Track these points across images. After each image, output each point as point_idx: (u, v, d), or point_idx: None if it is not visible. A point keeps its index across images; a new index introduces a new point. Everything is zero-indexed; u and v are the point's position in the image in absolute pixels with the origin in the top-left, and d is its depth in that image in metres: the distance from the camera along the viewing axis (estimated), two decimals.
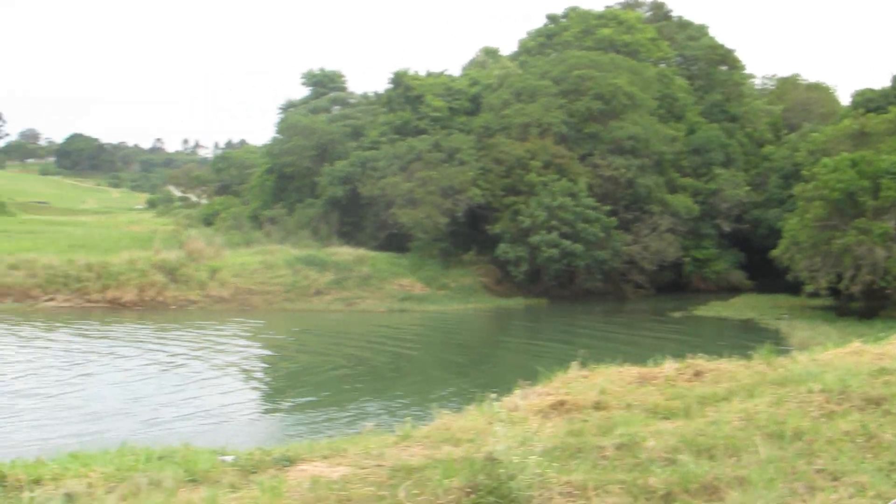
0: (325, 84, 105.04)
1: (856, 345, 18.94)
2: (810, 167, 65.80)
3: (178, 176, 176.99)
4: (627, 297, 76.18)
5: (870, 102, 79.06)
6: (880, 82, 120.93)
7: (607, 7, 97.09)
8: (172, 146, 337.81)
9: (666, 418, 13.06)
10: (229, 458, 11.92)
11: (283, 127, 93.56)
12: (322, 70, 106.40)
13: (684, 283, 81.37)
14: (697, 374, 16.54)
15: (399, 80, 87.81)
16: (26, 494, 10.19)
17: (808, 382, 13.58)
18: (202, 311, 61.59)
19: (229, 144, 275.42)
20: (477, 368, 44.95)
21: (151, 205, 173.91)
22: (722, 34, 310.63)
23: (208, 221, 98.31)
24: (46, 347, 45.01)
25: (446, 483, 9.40)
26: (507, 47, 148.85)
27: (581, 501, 9.10)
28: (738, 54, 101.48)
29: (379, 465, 10.93)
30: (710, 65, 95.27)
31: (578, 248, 70.34)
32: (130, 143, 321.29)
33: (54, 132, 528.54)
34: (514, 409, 14.94)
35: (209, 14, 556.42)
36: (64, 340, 47.90)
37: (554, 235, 70.02)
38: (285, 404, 34.00)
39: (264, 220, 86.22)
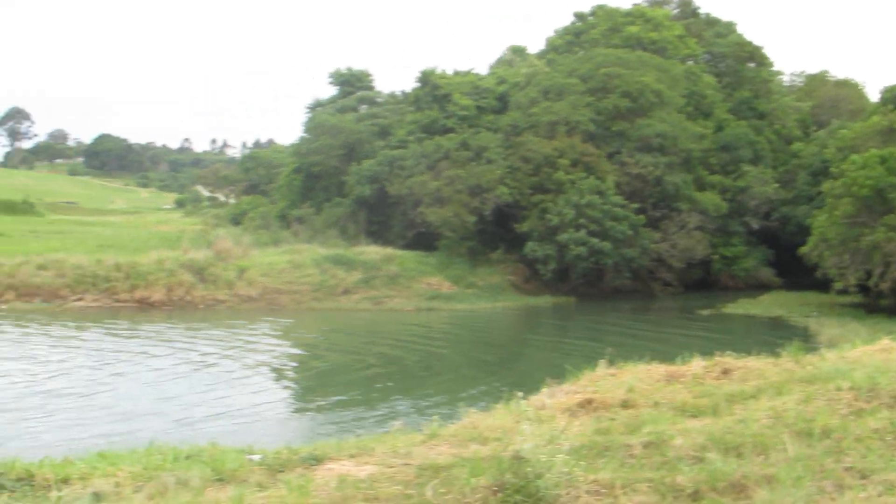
0: (352, 83, 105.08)
1: (885, 342, 18.81)
2: (839, 164, 65.53)
3: (207, 176, 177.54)
4: (656, 294, 76.03)
5: None
6: None
7: (635, 5, 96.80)
8: (200, 146, 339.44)
9: (694, 416, 12.99)
10: (256, 458, 11.91)
11: (311, 126, 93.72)
12: (349, 69, 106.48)
13: (713, 281, 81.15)
14: (725, 371, 16.46)
15: (426, 78, 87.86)
16: (54, 493, 10.19)
17: (836, 380, 13.49)
18: (230, 311, 61.69)
19: (257, 144, 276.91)
20: (506, 367, 44.86)
21: (180, 205, 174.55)
22: (750, 31, 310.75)
23: (236, 221, 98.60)
24: (78, 347, 45.07)
25: (473, 482, 9.34)
26: (535, 46, 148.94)
27: (608, 500, 9.04)
28: (767, 51, 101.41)
29: (406, 464, 10.90)
30: (738, 62, 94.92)
31: (606, 246, 70.21)
32: (158, 144, 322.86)
33: (83, 133, 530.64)
34: (541, 407, 14.89)
35: (236, 14, 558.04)
36: (95, 340, 48.02)
37: (582, 233, 69.91)
38: (316, 404, 34.01)
39: (292, 219, 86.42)
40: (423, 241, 77.48)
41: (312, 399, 35.37)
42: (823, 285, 65.63)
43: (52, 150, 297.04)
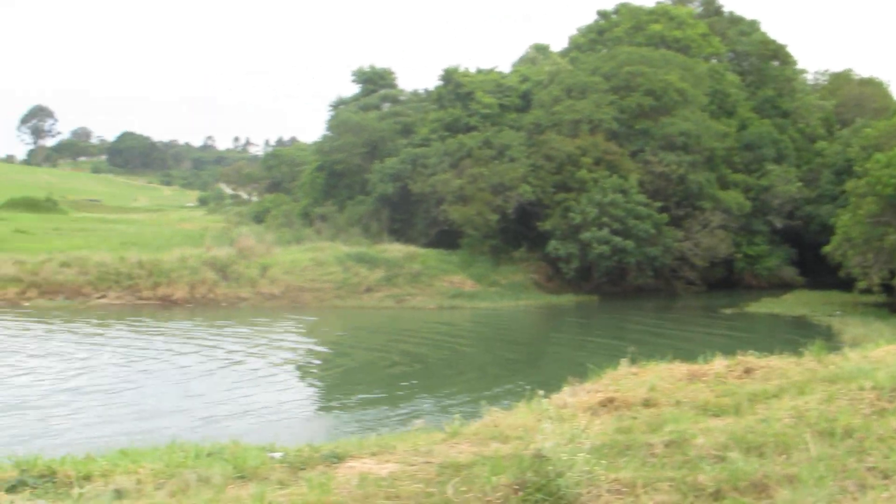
0: (375, 81, 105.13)
1: None
2: (863, 163, 65.25)
3: (229, 173, 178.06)
4: (678, 293, 75.89)
5: None
6: None
7: (658, 3, 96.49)
8: (223, 144, 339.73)
9: (716, 415, 12.98)
10: (278, 455, 11.96)
11: (334, 124, 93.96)
12: (372, 67, 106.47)
13: (736, 280, 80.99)
14: (748, 371, 16.43)
15: (449, 77, 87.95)
16: (76, 490, 10.25)
17: (859, 380, 13.46)
18: (253, 309, 61.80)
19: (280, 142, 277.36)
20: (531, 365, 44.75)
21: (202, 202, 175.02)
22: (774, 29, 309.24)
23: (259, 219, 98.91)
24: (103, 345, 45.12)
25: (494, 480, 9.38)
26: (558, 44, 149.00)
27: (630, 499, 9.04)
28: (790, 49, 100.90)
29: (427, 462, 10.93)
30: (762, 60, 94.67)
31: (629, 244, 70.13)
32: (182, 142, 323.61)
33: (106, 130, 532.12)
34: (562, 406, 14.90)
35: (259, 12, 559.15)
36: (120, 337, 48.11)
37: (605, 232, 69.85)
38: (341, 402, 33.99)
39: (315, 217, 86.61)
40: (446, 239, 77.51)
41: (337, 397, 35.38)
42: (847, 284, 65.45)
43: (76, 148, 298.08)
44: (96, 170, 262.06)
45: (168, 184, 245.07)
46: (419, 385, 37.08)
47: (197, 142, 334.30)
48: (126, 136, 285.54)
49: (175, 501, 9.78)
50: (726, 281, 79.86)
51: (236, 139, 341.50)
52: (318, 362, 44.03)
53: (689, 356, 18.71)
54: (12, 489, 10.46)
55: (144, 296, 61.95)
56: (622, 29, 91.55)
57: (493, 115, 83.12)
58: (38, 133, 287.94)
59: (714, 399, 14.16)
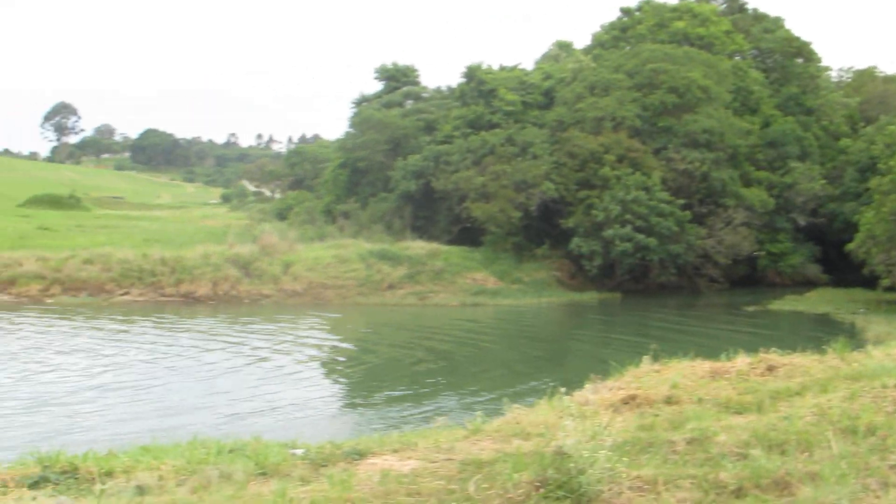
0: (397, 79, 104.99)
1: None
2: (887, 160, 64.97)
3: (252, 171, 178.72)
4: (701, 291, 75.65)
5: None
6: None
7: (681, 0, 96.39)
8: (246, 141, 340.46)
9: (738, 413, 13.03)
10: (299, 452, 12.04)
11: (357, 121, 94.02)
12: (395, 64, 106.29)
13: (759, 277, 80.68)
14: (770, 368, 16.45)
15: (472, 74, 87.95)
16: (98, 486, 10.34)
17: (882, 377, 13.46)
18: (275, 305, 61.95)
19: (302, 139, 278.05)
20: (556, 362, 44.70)
21: (225, 199, 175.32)
22: (798, 27, 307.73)
23: (282, 216, 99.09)
24: (130, 341, 45.22)
25: (516, 477, 9.44)
26: (581, 41, 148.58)
27: (651, 496, 9.09)
28: (814, 46, 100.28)
29: (449, 459, 11.01)
30: (786, 57, 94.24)
31: (652, 242, 70.01)
32: (204, 139, 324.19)
33: (129, 128, 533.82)
34: (584, 403, 14.95)
35: (276, 10, 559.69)
36: (145, 334, 48.27)
37: (628, 229, 69.76)
38: (366, 399, 33.99)
39: (337, 214, 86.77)
40: (469, 236, 77.53)
41: (362, 394, 35.43)
42: (870, 282, 65.34)
43: (99, 145, 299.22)
44: (119, 167, 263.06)
45: (191, 181, 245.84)
46: (444, 382, 37.09)
47: (220, 139, 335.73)
48: (149, 134, 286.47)
49: (197, 498, 9.86)
50: (749, 278, 79.60)
51: (259, 136, 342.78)
52: (343, 359, 44.12)
53: (711, 353, 18.76)
54: (35, 485, 10.60)
55: (167, 293, 62.21)
56: (645, 26, 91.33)
57: (516, 113, 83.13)
58: (61, 130, 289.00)
59: (736, 396, 14.21)
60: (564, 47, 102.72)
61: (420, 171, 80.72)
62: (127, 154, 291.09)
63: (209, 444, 13.16)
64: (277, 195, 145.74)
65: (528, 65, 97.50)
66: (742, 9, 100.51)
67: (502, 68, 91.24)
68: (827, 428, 11.03)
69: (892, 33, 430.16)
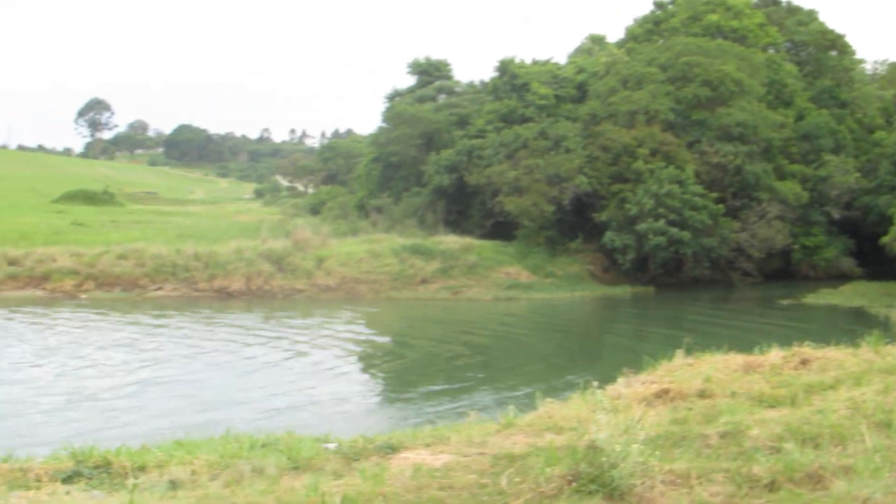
0: (430, 73, 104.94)
1: None
2: None
3: (286, 166, 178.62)
4: (735, 284, 75.26)
5: None
6: None
7: None
8: (279, 136, 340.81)
9: (771, 406, 13.01)
10: (332, 446, 12.11)
11: (390, 116, 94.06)
12: (428, 59, 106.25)
13: (793, 271, 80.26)
14: (804, 362, 16.44)
15: (505, 68, 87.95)
16: (131, 481, 10.43)
17: None
18: (308, 300, 62.10)
19: (336, 134, 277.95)
20: (592, 356, 44.82)
21: (259, 194, 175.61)
22: (832, 19, 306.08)
23: (315, 211, 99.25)
24: (168, 336, 45.55)
25: (548, 471, 9.40)
26: (614, 34, 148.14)
27: (684, 490, 9.09)
28: (848, 39, 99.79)
29: (481, 453, 10.99)
30: (820, 50, 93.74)
31: (686, 235, 69.78)
32: (238, 134, 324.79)
33: (163, 123, 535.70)
34: (617, 397, 14.97)
35: (313, 4, 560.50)
36: (183, 328, 48.59)
37: (661, 223, 69.54)
38: (403, 394, 34.13)
39: (370, 209, 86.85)
40: (502, 230, 77.52)
41: (399, 389, 35.57)
42: None
43: (133, 141, 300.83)
44: (153, 162, 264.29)
45: (224, 176, 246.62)
46: (481, 377, 37.15)
47: (253, 134, 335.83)
48: (182, 129, 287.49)
49: (229, 492, 9.84)
50: (783, 272, 79.22)
51: (292, 131, 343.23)
52: (380, 354, 44.19)
53: (745, 347, 18.74)
54: (68, 480, 10.71)
55: (201, 287, 62.37)
56: (679, 19, 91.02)
57: (549, 107, 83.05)
58: (95, 126, 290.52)
59: (770, 390, 14.20)
60: (597, 41, 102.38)
61: (453, 166, 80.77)
62: (160, 150, 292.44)
63: (242, 439, 13.29)
64: (311, 190, 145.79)
65: (561, 59, 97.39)
66: (776, 2, 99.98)
67: (535, 62, 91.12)
68: (861, 421, 11.04)
69: None
